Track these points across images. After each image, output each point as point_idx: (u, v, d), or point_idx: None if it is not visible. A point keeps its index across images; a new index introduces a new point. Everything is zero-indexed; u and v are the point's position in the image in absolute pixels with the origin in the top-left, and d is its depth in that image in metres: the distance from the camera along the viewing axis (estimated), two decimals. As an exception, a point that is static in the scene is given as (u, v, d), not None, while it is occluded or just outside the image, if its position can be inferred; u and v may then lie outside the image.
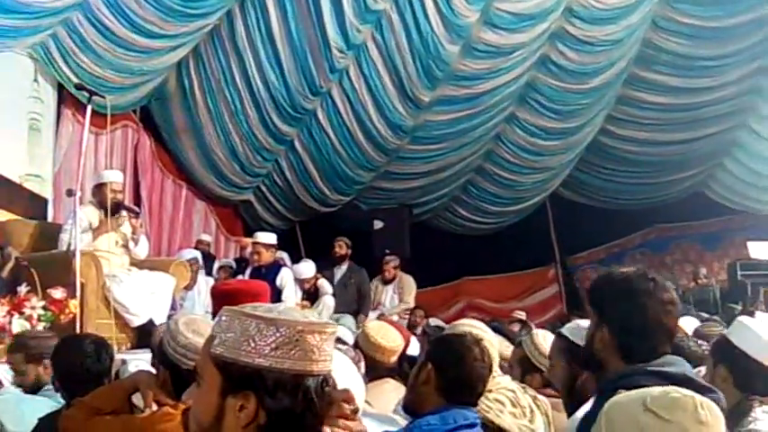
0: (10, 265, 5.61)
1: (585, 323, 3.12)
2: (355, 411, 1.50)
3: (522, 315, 10.20)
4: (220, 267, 9.55)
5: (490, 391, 3.28)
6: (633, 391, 1.61)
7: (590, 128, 12.01)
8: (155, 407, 2.60)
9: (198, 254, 9.01)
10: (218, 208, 11.68)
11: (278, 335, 1.38)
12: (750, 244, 11.75)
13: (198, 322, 2.70)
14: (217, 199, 11.52)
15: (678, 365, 2.15)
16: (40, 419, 2.99)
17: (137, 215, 6.62)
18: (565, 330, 3.10)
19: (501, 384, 3.40)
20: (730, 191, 12.93)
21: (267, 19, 9.69)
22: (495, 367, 3.40)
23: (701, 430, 1.46)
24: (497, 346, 3.51)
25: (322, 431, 1.43)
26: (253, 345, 1.38)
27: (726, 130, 12.02)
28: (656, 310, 2.17)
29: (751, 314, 4.23)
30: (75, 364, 3.20)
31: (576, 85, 11.34)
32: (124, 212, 6.40)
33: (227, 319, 1.43)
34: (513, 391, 3.42)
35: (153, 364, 2.86)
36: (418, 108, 11.16)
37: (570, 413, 2.93)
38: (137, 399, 2.80)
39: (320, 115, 11.01)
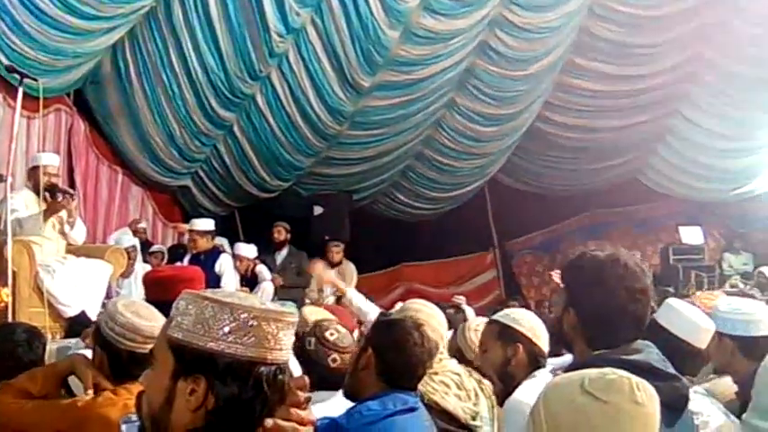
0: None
1: (517, 311, 3.18)
2: (308, 400, 1.50)
3: (461, 300, 10.29)
4: (151, 253, 9.43)
5: (436, 373, 3.32)
6: (571, 373, 1.64)
7: (528, 114, 12.15)
8: (91, 391, 2.58)
9: (136, 241, 8.88)
10: (155, 194, 11.50)
11: (232, 320, 1.38)
12: (681, 229, 12.07)
13: (137, 304, 2.71)
14: (154, 185, 11.34)
15: (646, 353, 2.14)
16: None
17: (71, 197, 6.48)
18: (497, 316, 3.14)
19: (447, 367, 3.45)
20: (664, 177, 13.24)
21: (205, 1, 9.54)
22: (442, 349, 3.42)
23: (636, 410, 1.49)
24: (442, 327, 3.53)
25: (272, 418, 1.42)
26: (207, 328, 1.38)
27: (660, 117, 12.29)
28: (624, 297, 2.15)
29: (684, 297, 4.35)
30: (6, 351, 3.15)
31: (515, 72, 11.45)
32: (60, 195, 6.26)
33: (185, 302, 1.43)
34: (459, 375, 3.47)
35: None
36: (358, 93, 11.13)
37: (502, 397, 2.97)
38: (73, 383, 2.77)
39: (259, 100, 10.89)
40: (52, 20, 8.51)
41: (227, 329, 1.37)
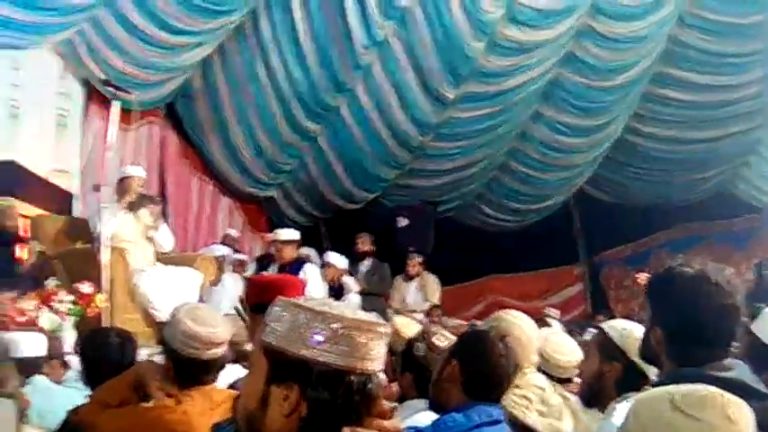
0: (32, 259, 5.66)
1: (627, 323, 3.09)
2: (393, 410, 1.50)
3: (555, 313, 10.11)
4: (236, 263, 9.52)
5: (519, 387, 3.26)
6: (660, 389, 1.60)
7: (615, 125, 11.92)
8: (161, 395, 2.62)
9: (229, 250, 9.04)
10: (243, 204, 11.72)
11: (324, 328, 1.39)
12: (778, 242, 11.64)
13: (199, 311, 2.72)
14: (242, 195, 11.56)
15: (738, 371, 2.07)
16: (69, 413, 3.02)
17: (156, 203, 6.66)
18: (605, 326, 3.08)
19: (531, 381, 3.38)
20: (757, 189, 12.79)
21: (291, 16, 9.72)
22: (530, 363, 3.37)
23: (729, 428, 1.44)
24: (533, 340, 3.47)
25: (354, 427, 1.43)
26: (300, 336, 1.40)
27: (752, 128, 11.90)
28: (712, 314, 2.08)
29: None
30: (100, 356, 3.23)
31: (602, 83, 11.26)
32: (144, 202, 6.45)
33: (279, 308, 1.45)
34: (543, 389, 3.40)
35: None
36: (443, 105, 11.13)
37: (587, 404, 2.92)
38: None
39: (344, 112, 11.01)
40: (146, 35, 8.81)
41: (318, 338, 1.39)
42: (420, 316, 9.01)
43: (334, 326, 1.40)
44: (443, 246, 11.68)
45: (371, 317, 1.47)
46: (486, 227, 13.40)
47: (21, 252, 6.11)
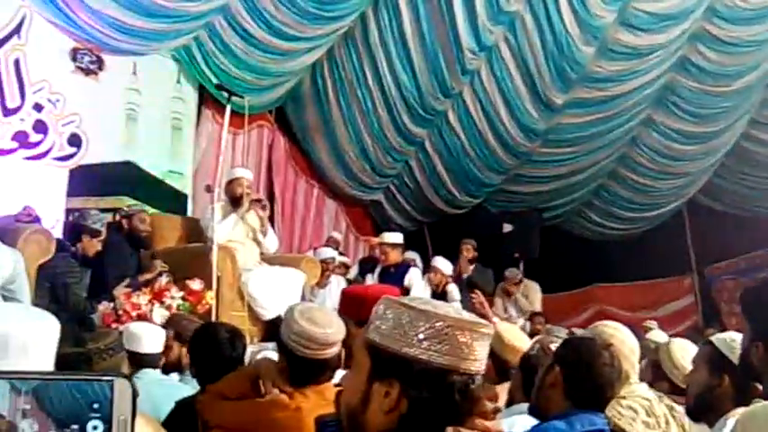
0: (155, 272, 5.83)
1: (736, 335, 2.98)
2: (496, 411, 1.49)
3: (653, 325, 9.86)
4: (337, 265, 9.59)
5: (624, 398, 3.18)
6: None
7: (731, 132, 11.53)
8: (276, 392, 2.67)
9: (335, 253, 9.15)
10: (348, 207, 11.85)
11: (427, 327, 1.40)
12: None
13: (313, 311, 2.74)
14: (348, 199, 11.70)
15: None
16: (178, 403, 3.12)
17: (263, 206, 6.80)
18: (714, 339, 2.98)
19: (636, 392, 3.30)
20: None
21: (400, 21, 9.80)
22: (633, 374, 3.29)
23: None
24: (636, 352, 3.39)
25: (462, 427, 1.43)
26: (403, 334, 1.41)
27: None
28: None
29: None
30: (211, 350, 3.33)
31: (717, 88, 10.91)
32: (248, 204, 6.59)
33: (383, 307, 1.47)
34: (649, 400, 3.31)
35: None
36: (551, 110, 11.00)
37: (694, 418, 2.84)
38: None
39: (451, 117, 11.02)
40: (258, 41, 9.05)
41: (422, 336, 1.39)
42: (521, 322, 8.91)
43: (438, 325, 1.40)
44: (548, 253, 11.51)
45: (475, 317, 1.47)
46: (592, 235, 13.15)
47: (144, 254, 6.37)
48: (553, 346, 3.03)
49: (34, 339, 1.51)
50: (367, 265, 9.62)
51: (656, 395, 3.43)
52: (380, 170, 11.43)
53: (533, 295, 9.95)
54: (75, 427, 0.94)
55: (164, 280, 5.52)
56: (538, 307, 9.84)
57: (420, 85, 10.33)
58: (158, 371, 3.92)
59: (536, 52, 10.38)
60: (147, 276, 5.68)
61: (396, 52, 10.02)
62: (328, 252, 8.80)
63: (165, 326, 4.20)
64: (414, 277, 8.25)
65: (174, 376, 4.10)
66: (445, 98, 10.65)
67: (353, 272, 9.51)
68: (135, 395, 0.96)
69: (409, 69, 10.18)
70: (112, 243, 5.96)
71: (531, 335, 8.02)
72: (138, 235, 6.29)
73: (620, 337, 3.35)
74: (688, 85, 10.94)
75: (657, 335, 6.70)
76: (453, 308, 1.49)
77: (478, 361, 1.43)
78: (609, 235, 13.08)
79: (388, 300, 1.48)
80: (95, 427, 0.94)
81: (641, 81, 10.76)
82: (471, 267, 9.58)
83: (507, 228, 11.90)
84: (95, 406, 0.95)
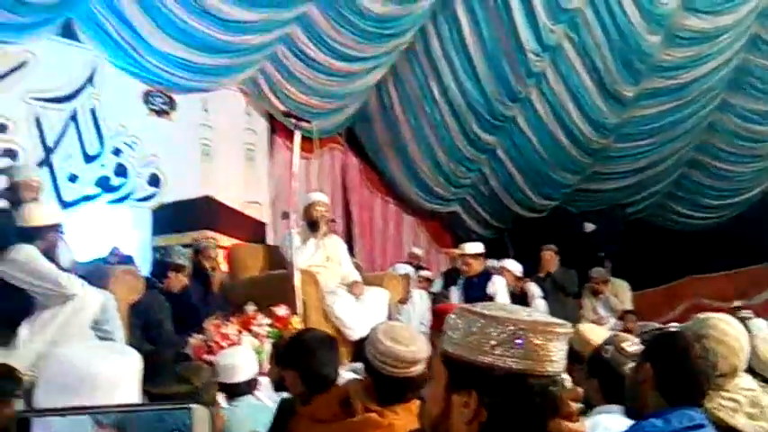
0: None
1: None
2: (580, 411, 1.46)
3: (749, 314, 9.52)
4: (420, 279, 9.59)
5: (727, 391, 3.08)
6: None
7: (814, 108, 11.15)
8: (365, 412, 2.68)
9: (410, 269, 9.15)
10: (426, 221, 11.86)
11: (499, 333, 1.38)
12: None
13: (396, 329, 2.75)
14: (424, 212, 11.71)
15: None
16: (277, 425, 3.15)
17: (332, 226, 6.89)
18: None
19: (740, 385, 3.19)
20: None
21: (460, 30, 9.80)
22: (738, 366, 3.18)
23: None
24: (745, 345, 3.28)
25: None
26: (475, 342, 1.39)
27: None
28: None
29: None
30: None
31: (795, 64, 10.58)
32: (326, 227, 6.66)
33: (455, 317, 1.46)
34: (753, 390, 3.21)
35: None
36: (622, 104, 10.82)
37: None
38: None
39: (520, 121, 10.93)
40: (322, 66, 9.17)
41: (494, 342, 1.38)
42: (612, 322, 8.74)
43: (509, 329, 1.38)
44: (634, 249, 11.28)
45: (548, 317, 1.45)
46: (678, 227, 12.83)
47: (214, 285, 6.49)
48: (625, 345, 2.97)
49: (120, 375, 1.55)
50: (450, 278, 9.58)
51: (761, 385, 3.32)
52: (455, 181, 11.41)
53: (623, 293, 9.74)
54: (159, 455, 0.97)
55: (250, 309, 5.59)
56: (628, 305, 9.63)
57: (486, 92, 10.30)
58: (251, 397, 3.98)
59: (601, 47, 10.23)
60: None
61: (459, 62, 10.02)
62: (405, 268, 8.83)
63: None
64: (497, 284, 8.18)
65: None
66: (513, 103, 10.58)
67: (437, 285, 9.48)
68: (213, 420, 0.99)
69: (474, 78, 10.16)
70: (194, 277, 6.09)
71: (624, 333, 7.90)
72: (204, 272, 6.40)
73: (725, 328, 3.23)
74: (762, 63, 10.63)
75: (757, 324, 6.49)
76: (526, 311, 1.47)
77: (556, 362, 1.40)
78: (695, 225, 12.74)
79: (460, 309, 1.46)
80: (177, 454, 0.97)
81: (713, 65, 10.50)
82: (554, 270, 9.47)
83: (589, 227, 11.71)
84: (176, 433, 0.98)
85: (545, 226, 11.91)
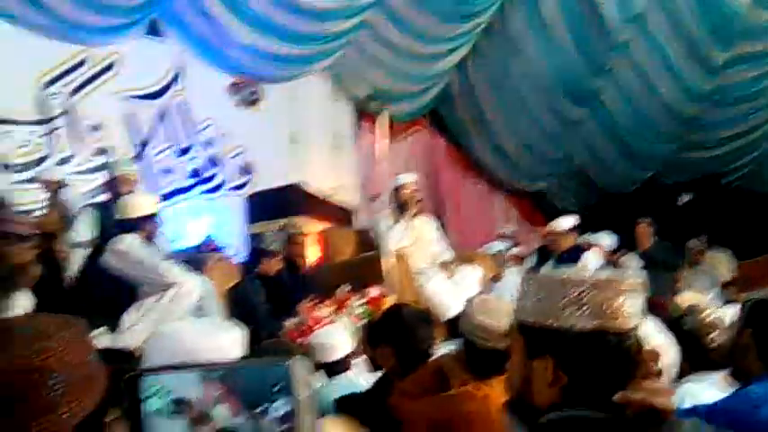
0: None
1: None
2: (660, 372, 1.45)
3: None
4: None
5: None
6: None
7: None
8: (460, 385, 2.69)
9: (503, 246, 9.12)
10: (515, 199, 11.77)
11: (564, 294, 1.40)
12: None
13: (490, 302, 2.76)
14: (513, 190, 11.62)
15: None
16: (367, 398, 3.18)
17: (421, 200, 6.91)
18: None
19: None
20: None
21: (540, 5, 9.63)
22: None
23: None
24: None
25: (632, 390, 1.40)
26: (544, 307, 1.42)
27: None
28: None
29: None
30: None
31: None
32: (416, 208, 6.67)
33: (524, 285, 1.49)
34: None
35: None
36: (713, 71, 10.47)
37: None
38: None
39: (608, 93, 10.71)
40: (403, 49, 9.17)
41: (562, 305, 1.40)
42: (714, 293, 8.50)
43: (574, 290, 1.39)
44: (734, 217, 10.93)
45: (613, 274, 1.45)
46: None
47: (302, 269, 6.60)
48: (704, 315, 2.94)
49: (225, 349, 1.60)
50: (544, 255, 9.49)
51: None
52: (542, 157, 11.27)
53: (723, 264, 9.46)
54: (263, 406, 1.00)
55: (343, 290, 5.67)
56: (728, 276, 9.35)
57: (571, 66, 10.10)
58: (350, 372, 4.03)
59: (688, 13, 9.91)
60: None
61: (541, 37, 9.86)
62: (497, 246, 8.79)
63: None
64: (590, 260, 8.07)
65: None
66: (599, 76, 10.36)
67: (530, 262, 9.41)
68: (311, 374, 1.02)
69: (557, 52, 9.98)
70: (286, 262, 6.20)
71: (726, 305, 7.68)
72: (292, 257, 6.49)
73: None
74: None
75: None
76: (589, 271, 1.47)
77: (628, 318, 1.40)
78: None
79: (528, 277, 1.49)
80: (281, 405, 1.01)
81: (808, 23, 10.06)
82: (649, 244, 9.28)
83: (684, 198, 11.42)
84: (278, 386, 1.01)
85: (638, 199, 11.67)
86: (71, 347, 1.14)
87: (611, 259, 8.74)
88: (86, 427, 1.13)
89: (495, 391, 2.63)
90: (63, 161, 7.05)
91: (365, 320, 5.31)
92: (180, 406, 0.99)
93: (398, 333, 3.16)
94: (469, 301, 2.85)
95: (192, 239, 6.52)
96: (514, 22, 9.84)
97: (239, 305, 5.54)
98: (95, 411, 1.14)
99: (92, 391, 1.14)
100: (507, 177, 11.30)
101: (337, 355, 4.07)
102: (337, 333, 4.26)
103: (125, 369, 1.33)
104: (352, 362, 4.18)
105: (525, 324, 1.46)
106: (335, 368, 4.04)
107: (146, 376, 0.99)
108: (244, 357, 1.67)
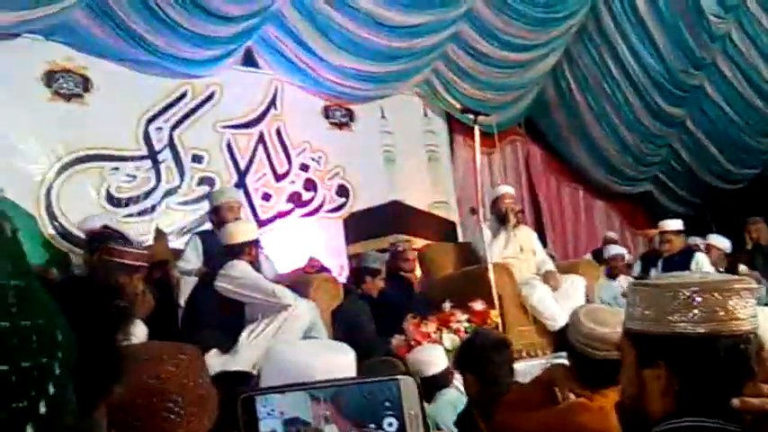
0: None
1: None
2: None
3: None
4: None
5: None
6: None
7: None
8: (572, 398, 2.64)
9: (624, 250, 8.95)
10: (618, 204, 11.52)
11: (672, 299, 1.37)
12: None
13: (599, 311, 2.69)
14: (615, 196, 11.38)
15: None
16: (470, 412, 3.19)
17: (521, 212, 6.86)
18: None
19: None
20: None
21: (632, 2, 9.45)
22: None
23: None
24: None
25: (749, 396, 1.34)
26: (654, 314, 1.39)
27: None
28: None
29: None
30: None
31: None
32: (515, 219, 6.63)
33: (632, 293, 1.47)
34: None
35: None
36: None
37: None
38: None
39: (708, 88, 10.40)
40: (493, 59, 9.14)
41: (671, 310, 1.36)
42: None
43: (683, 294, 1.35)
44: None
45: (724, 276, 1.41)
46: None
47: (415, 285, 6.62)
48: None
49: (336, 370, 1.62)
50: (649, 260, 9.26)
51: None
52: (644, 159, 11.02)
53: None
54: (373, 425, 1.01)
55: (447, 306, 5.65)
56: None
57: (668, 63, 9.88)
58: (452, 389, 4.03)
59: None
60: None
61: (635, 36, 9.67)
62: (616, 249, 8.65)
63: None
64: (700, 262, 7.83)
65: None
66: (697, 71, 10.09)
67: (636, 268, 9.19)
68: (420, 391, 1.02)
69: (653, 50, 9.78)
70: (390, 280, 6.22)
71: None
72: (403, 274, 6.51)
73: None
74: None
75: None
76: (699, 274, 1.44)
77: (743, 320, 1.35)
78: None
79: (634, 285, 1.47)
80: (390, 424, 1.01)
81: None
82: (765, 242, 8.93)
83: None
84: (387, 404, 1.01)
85: (746, 197, 11.25)
86: (187, 371, 1.18)
87: (725, 261, 8.46)
88: None
89: (611, 403, 2.57)
90: (168, 192, 7.30)
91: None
92: (294, 427, 1.00)
93: (475, 361, 3.26)
94: (576, 310, 2.79)
95: (293, 262, 6.62)
96: (607, 21, 9.68)
97: (345, 325, 5.58)
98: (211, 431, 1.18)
99: (207, 412, 1.19)
100: (608, 182, 11.08)
101: (432, 370, 4.10)
102: (429, 350, 4.31)
103: (237, 391, 1.37)
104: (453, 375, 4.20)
105: (635, 332, 1.43)
106: (435, 383, 4.08)
107: (259, 396, 1.01)
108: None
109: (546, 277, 6.50)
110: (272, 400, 0.99)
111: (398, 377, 1.03)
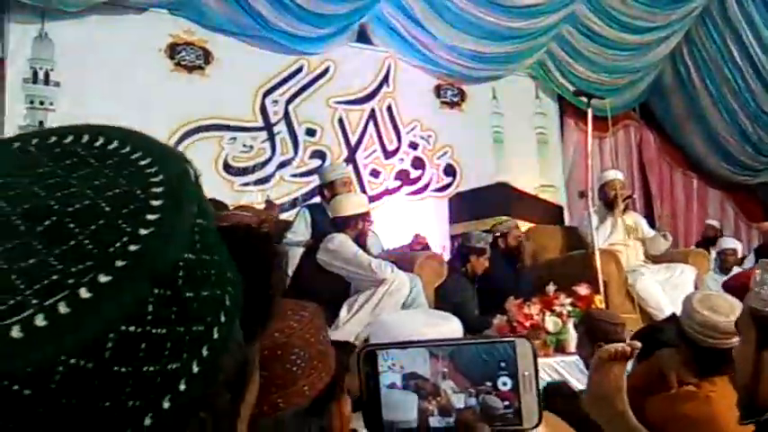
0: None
1: None
2: None
3: None
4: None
5: None
6: None
7: None
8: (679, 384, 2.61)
9: (737, 244, 8.68)
10: (733, 194, 11.13)
11: None
12: None
13: (713, 298, 2.64)
14: (731, 185, 10.99)
15: None
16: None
17: (630, 197, 6.72)
18: None
19: None
20: None
21: (760, -16, 9.10)
22: None
23: None
24: None
25: None
26: None
27: None
28: None
29: None
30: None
31: None
32: (624, 205, 6.50)
33: (760, 272, 1.43)
34: None
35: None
36: None
37: None
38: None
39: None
40: (610, 41, 8.96)
41: None
42: None
43: None
44: None
45: None
46: None
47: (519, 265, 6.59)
48: None
49: (445, 335, 1.66)
50: (763, 254, 8.93)
51: None
52: (764, 149, 10.58)
53: None
54: (488, 383, 1.05)
55: (551, 289, 5.62)
56: None
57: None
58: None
59: None
60: None
61: (760, 19, 9.27)
62: (729, 242, 8.40)
63: (578, 324, 4.26)
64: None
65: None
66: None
67: (749, 261, 8.89)
68: (535, 354, 1.05)
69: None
70: (494, 260, 6.22)
71: None
72: (513, 251, 6.48)
73: None
74: None
75: None
76: None
77: None
78: None
79: (763, 263, 1.42)
80: (505, 383, 1.05)
81: None
82: None
83: None
84: (502, 364, 1.05)
85: None
86: (309, 326, 1.25)
87: None
88: (321, 399, 1.23)
89: (719, 392, 2.53)
90: (282, 165, 7.49)
91: (573, 319, 5.24)
92: (413, 380, 1.05)
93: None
94: (689, 296, 2.75)
95: (399, 239, 6.69)
96: (731, 3, 9.32)
97: (448, 302, 5.62)
98: (329, 384, 1.24)
99: (327, 366, 1.25)
100: (724, 171, 10.70)
101: None
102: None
103: (348, 351, 1.44)
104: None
105: (760, 312, 1.41)
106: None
107: (381, 350, 1.06)
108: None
109: (654, 264, 6.40)
110: (393, 356, 1.05)
111: (515, 339, 1.06)
